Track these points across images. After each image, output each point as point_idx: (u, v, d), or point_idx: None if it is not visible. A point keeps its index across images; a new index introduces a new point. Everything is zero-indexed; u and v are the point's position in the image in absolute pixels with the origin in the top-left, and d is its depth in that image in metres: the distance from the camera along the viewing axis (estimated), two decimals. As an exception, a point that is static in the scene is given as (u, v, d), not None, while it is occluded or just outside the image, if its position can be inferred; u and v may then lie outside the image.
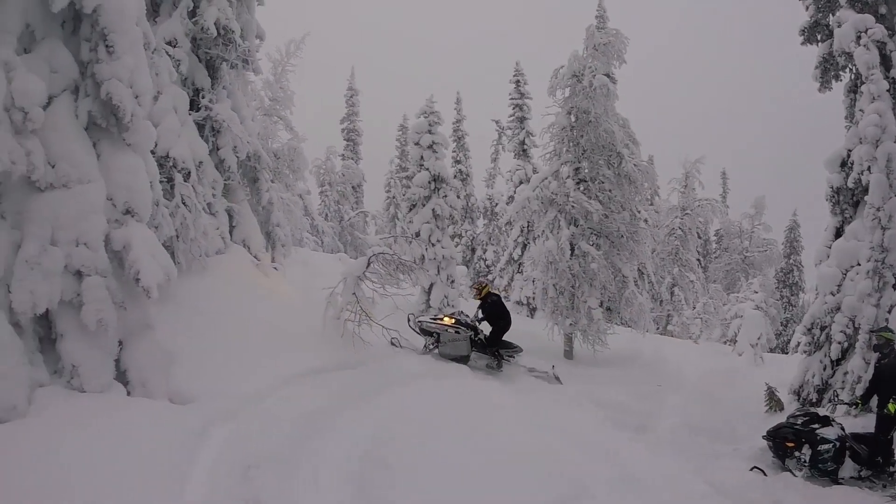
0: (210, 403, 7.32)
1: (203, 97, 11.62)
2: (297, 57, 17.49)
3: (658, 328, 27.11)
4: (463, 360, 11.73)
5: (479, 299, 12.46)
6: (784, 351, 27.10)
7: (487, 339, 12.17)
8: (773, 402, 11.37)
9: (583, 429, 8.92)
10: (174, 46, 10.73)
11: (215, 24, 11.09)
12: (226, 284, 10.42)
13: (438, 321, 11.88)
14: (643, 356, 15.69)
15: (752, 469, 8.33)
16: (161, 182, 9.07)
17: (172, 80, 10.16)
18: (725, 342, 23.30)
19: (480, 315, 12.26)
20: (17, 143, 6.20)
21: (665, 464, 7.87)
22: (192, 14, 11.25)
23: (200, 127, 11.40)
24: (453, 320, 11.88)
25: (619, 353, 15.28)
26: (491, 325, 12.23)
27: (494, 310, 12.22)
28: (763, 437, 8.82)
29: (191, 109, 11.16)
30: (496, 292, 12.79)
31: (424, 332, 11.89)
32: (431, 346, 11.80)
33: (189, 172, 10.33)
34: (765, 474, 8.18)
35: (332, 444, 7.09)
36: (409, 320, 12.12)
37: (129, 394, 7.01)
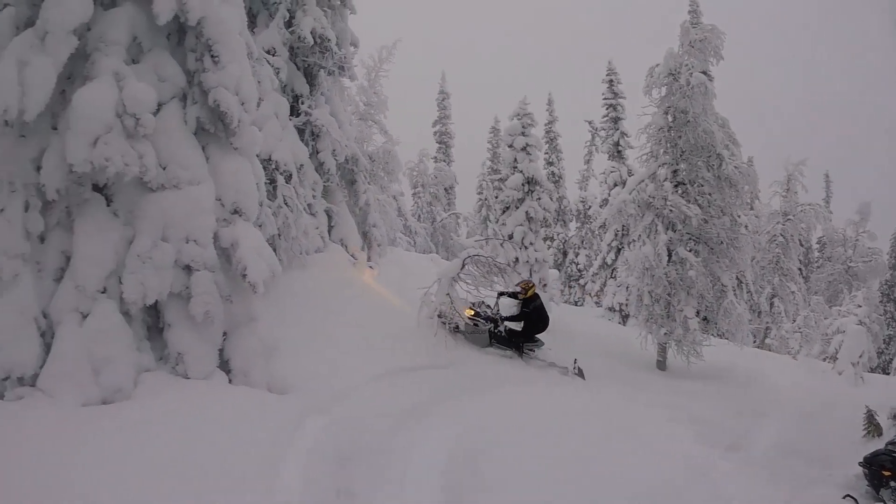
0: (307, 394, 7.62)
1: (302, 103, 12.12)
2: (389, 62, 17.89)
3: (755, 341, 25.78)
4: (482, 345, 11.61)
5: (523, 298, 12.09)
6: (885, 371, 25.28)
7: (512, 333, 11.86)
8: (872, 426, 10.62)
9: (674, 445, 8.67)
10: (273, 55, 11.26)
11: (311, 32, 11.56)
12: (324, 281, 10.84)
13: (457, 312, 11.66)
14: (738, 371, 14.94)
15: (844, 497, 7.83)
16: (264, 184, 9.51)
17: (273, 87, 10.65)
18: (825, 359, 21.94)
19: (515, 312, 11.96)
20: (129, 146, 6.62)
21: (756, 487, 7.54)
22: (289, 24, 11.76)
23: (301, 132, 11.90)
24: (472, 312, 11.70)
25: (713, 366, 14.62)
26: (526, 325, 11.90)
27: (536, 314, 11.92)
28: (859, 463, 8.28)
29: (291, 115, 11.66)
30: (537, 294, 12.39)
31: (441, 317, 11.64)
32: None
33: (290, 175, 10.80)
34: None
35: (421, 441, 7.21)
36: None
37: (230, 381, 7.39)
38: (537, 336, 11.98)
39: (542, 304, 12.24)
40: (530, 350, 12.01)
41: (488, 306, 12.01)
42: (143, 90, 6.73)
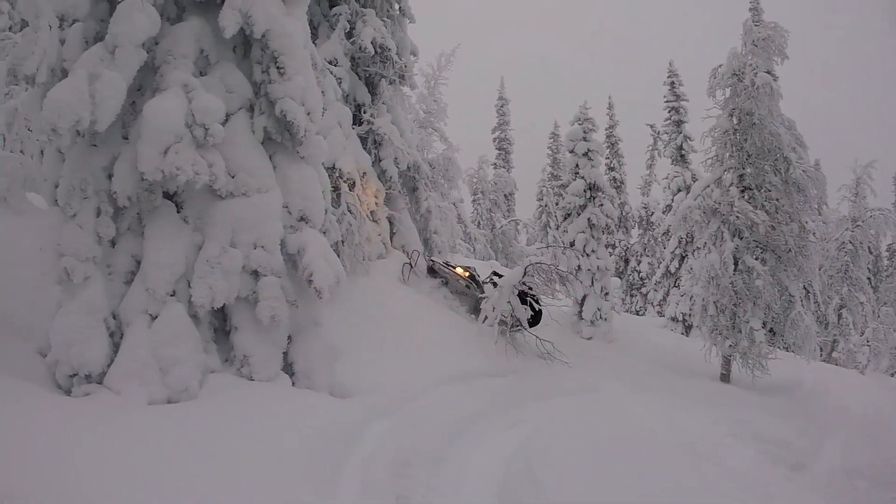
0: (368, 398, 7.71)
1: (364, 112, 12.34)
2: (447, 70, 18.01)
3: (822, 354, 24.69)
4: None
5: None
6: None
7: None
8: (942, 446, 10.11)
9: (739, 462, 8.43)
10: (335, 66, 11.50)
11: (372, 42, 11.77)
12: (386, 287, 10.98)
13: (451, 268, 11.92)
14: (804, 385, 14.38)
15: None
16: (329, 191, 9.72)
17: (336, 97, 10.90)
18: (894, 374, 20.86)
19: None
20: (199, 155, 6.86)
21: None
22: (349, 35, 11.99)
23: (363, 140, 12.11)
24: (467, 273, 11.92)
25: (779, 380, 14.07)
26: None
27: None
28: None
29: (353, 124, 11.89)
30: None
31: (432, 272, 11.92)
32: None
33: (354, 182, 11.01)
34: None
35: (480, 449, 7.21)
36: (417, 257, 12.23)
37: (293, 384, 7.54)
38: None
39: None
40: (515, 329, 11.95)
41: (478, 275, 12.35)
42: (212, 101, 6.96)
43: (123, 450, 5.15)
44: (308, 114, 7.65)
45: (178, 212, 7.29)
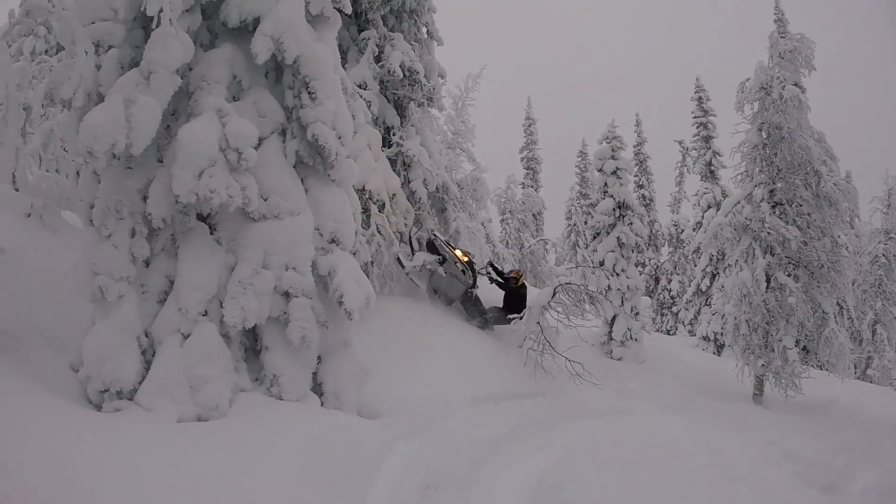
0: (396, 419, 7.75)
1: (394, 134, 12.51)
2: (475, 91, 18.16)
3: (857, 372, 24.05)
4: (446, 301, 12.14)
5: (514, 286, 12.51)
6: None
7: (487, 307, 12.46)
8: (980, 467, 9.76)
9: (771, 483, 8.27)
10: (364, 89, 11.69)
11: (400, 66, 11.96)
12: (415, 309, 11.03)
13: (452, 249, 11.98)
14: (838, 404, 13.97)
15: None
16: (360, 213, 9.85)
17: (366, 120, 11.06)
18: None
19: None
20: (233, 179, 7.01)
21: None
22: (378, 59, 12.20)
23: (392, 162, 12.27)
24: (466, 259, 12.08)
25: (812, 399, 13.73)
26: (507, 307, 12.36)
27: (520, 301, 12.22)
28: None
29: (383, 146, 12.05)
30: (525, 285, 12.94)
31: (432, 247, 11.86)
32: (430, 266, 11.82)
33: (383, 204, 11.13)
34: None
35: (509, 471, 7.19)
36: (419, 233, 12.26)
37: (322, 404, 7.61)
38: (511, 316, 11.99)
39: (525, 294, 12.54)
40: (496, 324, 12.39)
41: (474, 265, 12.37)
42: (245, 126, 7.11)
43: (152, 465, 5.22)
44: (339, 137, 7.76)
45: (211, 233, 7.42)
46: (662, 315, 30.24)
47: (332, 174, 7.93)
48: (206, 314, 7.10)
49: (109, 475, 4.91)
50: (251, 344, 7.63)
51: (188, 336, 6.97)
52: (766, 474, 8.67)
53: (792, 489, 8.23)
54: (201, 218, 7.43)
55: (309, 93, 7.65)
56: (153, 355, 6.95)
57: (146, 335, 7.04)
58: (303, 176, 7.90)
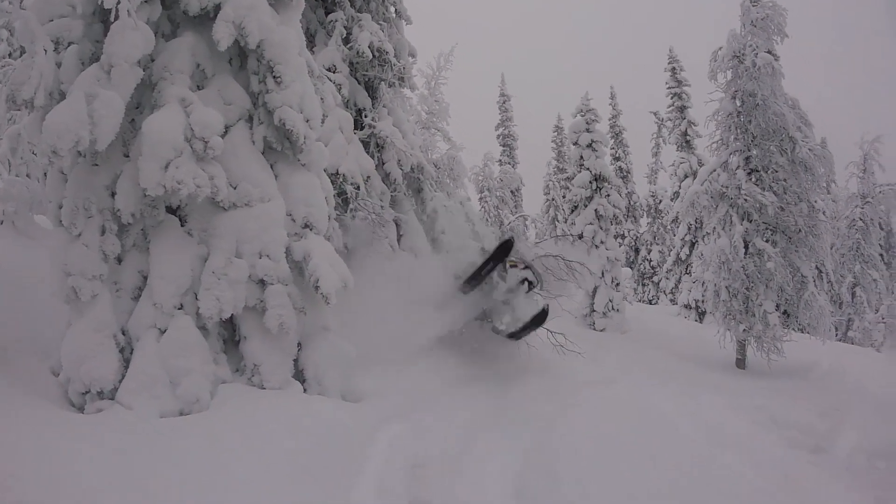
0: (380, 402, 7.74)
1: (366, 116, 12.34)
2: (447, 70, 18.02)
3: (837, 334, 24.47)
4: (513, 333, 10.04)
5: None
6: None
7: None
8: (962, 421, 9.99)
9: (759, 448, 8.37)
10: (334, 72, 11.50)
11: (369, 47, 11.76)
12: (395, 290, 10.95)
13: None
14: (821, 367, 14.22)
15: None
16: (333, 197, 9.73)
17: (336, 103, 10.89)
18: None
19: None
20: (200, 168, 6.89)
21: (842, 493, 7.20)
22: (346, 40, 12.00)
23: (366, 144, 12.10)
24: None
25: (795, 362, 13.95)
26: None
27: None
28: None
29: (355, 129, 11.88)
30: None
31: (505, 251, 10.23)
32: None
33: (358, 186, 11.00)
34: None
35: (498, 448, 7.20)
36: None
37: (305, 391, 7.55)
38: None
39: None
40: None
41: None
42: (210, 114, 7.00)
43: (132, 464, 5.19)
44: (307, 121, 7.67)
45: (182, 225, 7.33)
46: (644, 285, 30.47)
47: (302, 158, 7.83)
48: (181, 307, 7.01)
49: (89, 477, 4.86)
50: (229, 334, 7.55)
51: (164, 331, 6.89)
52: (755, 439, 8.76)
53: (782, 452, 8.34)
54: (171, 210, 7.33)
55: (274, 77, 7.53)
56: (131, 353, 6.88)
57: (123, 333, 6.96)
58: (272, 162, 7.80)
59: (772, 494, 6.55)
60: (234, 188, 7.32)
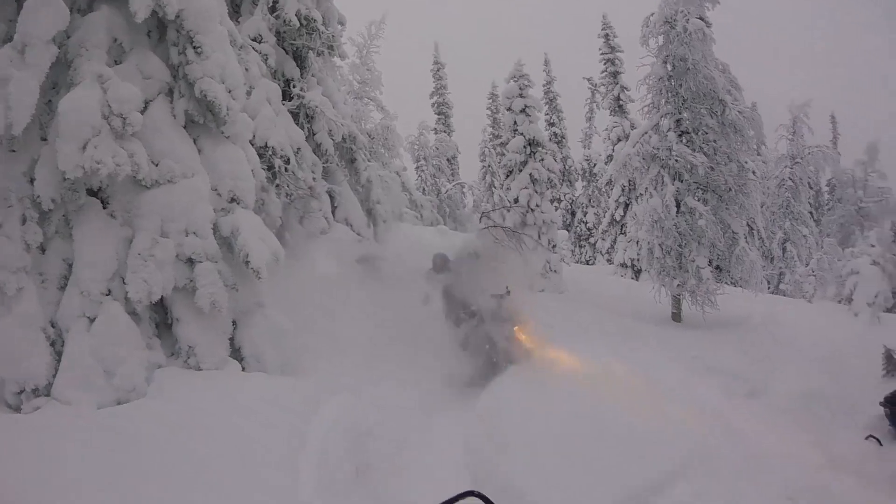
0: (321, 376, 7.66)
1: (294, 87, 11.99)
2: (379, 38, 17.71)
3: (770, 287, 25.62)
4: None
5: None
6: None
7: None
8: (891, 365, 10.65)
9: (696, 396, 8.66)
10: (260, 42, 11.12)
11: (296, 15, 11.39)
12: (331, 262, 10.81)
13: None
14: (754, 318, 14.80)
15: (867, 438, 7.83)
16: (263, 170, 9.48)
17: (263, 73, 10.53)
18: (840, 301, 21.75)
19: None
20: (119, 146, 6.61)
21: (779, 433, 7.55)
22: (273, 9, 11.60)
23: (295, 115, 11.77)
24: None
25: (729, 314, 14.50)
26: None
27: None
28: (880, 403, 8.29)
29: (284, 100, 11.54)
30: None
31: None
32: None
33: (288, 159, 10.72)
34: (880, 444, 7.68)
35: (444, 416, 7.26)
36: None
37: (243, 369, 7.42)
38: None
39: None
40: None
41: None
42: (128, 89, 6.71)
43: (67, 462, 5.00)
44: (229, 91, 7.44)
45: (104, 208, 7.04)
46: (581, 247, 31.03)
47: (226, 130, 7.61)
48: (109, 293, 6.75)
49: (24, 479, 4.64)
50: (161, 318, 7.32)
51: (94, 319, 6.62)
52: (693, 388, 9.06)
53: (719, 399, 8.66)
54: (92, 193, 7.02)
55: (194, 47, 7.25)
56: (63, 345, 6.59)
57: (52, 325, 6.67)
58: (195, 136, 7.55)
59: (712, 439, 6.79)
60: (156, 165, 7.05)
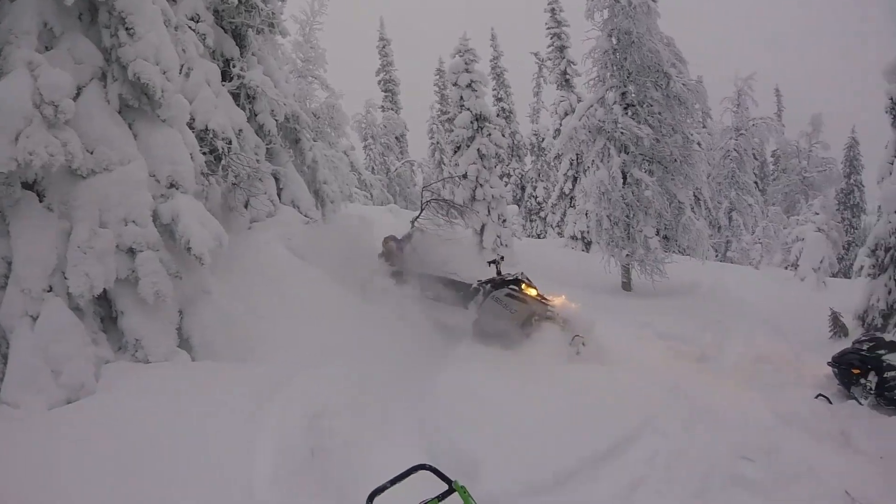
0: (271, 361, 7.53)
1: (234, 66, 11.67)
2: (322, 14, 17.36)
3: (717, 255, 26.39)
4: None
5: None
6: (847, 275, 26.01)
7: None
8: (838, 327, 11.10)
9: (646, 361, 8.84)
10: (198, 21, 10.75)
11: (235, -9, 11.06)
12: (278, 246, 10.61)
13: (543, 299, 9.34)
14: (703, 285, 15.25)
15: (816, 397, 8.14)
16: (204, 153, 9.24)
17: (200, 53, 10.21)
18: (787, 267, 22.56)
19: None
20: (52, 136, 6.37)
21: (731, 395, 7.77)
22: (211, -13, 11.22)
23: (235, 96, 11.47)
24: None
25: (678, 282, 14.88)
26: None
27: None
28: (828, 363, 8.61)
29: (224, 80, 11.22)
30: None
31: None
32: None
33: (230, 141, 10.45)
34: (830, 402, 7.99)
35: (400, 394, 7.24)
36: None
37: (193, 359, 7.29)
38: None
39: None
40: None
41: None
42: (59, 75, 6.47)
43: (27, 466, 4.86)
44: (164, 73, 7.22)
45: (41, 201, 6.80)
46: (531, 221, 31.28)
47: (161, 113, 7.41)
48: (51, 290, 6.54)
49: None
50: (106, 311, 7.12)
51: (37, 317, 6.40)
52: (643, 353, 9.26)
53: (670, 363, 8.85)
54: (27, 186, 6.76)
55: (126, 29, 7.02)
56: (8, 346, 6.36)
57: (-5, 327, 6.40)
58: (130, 120, 7.32)
59: (662, 402, 6.96)
60: (91, 153, 6.81)
